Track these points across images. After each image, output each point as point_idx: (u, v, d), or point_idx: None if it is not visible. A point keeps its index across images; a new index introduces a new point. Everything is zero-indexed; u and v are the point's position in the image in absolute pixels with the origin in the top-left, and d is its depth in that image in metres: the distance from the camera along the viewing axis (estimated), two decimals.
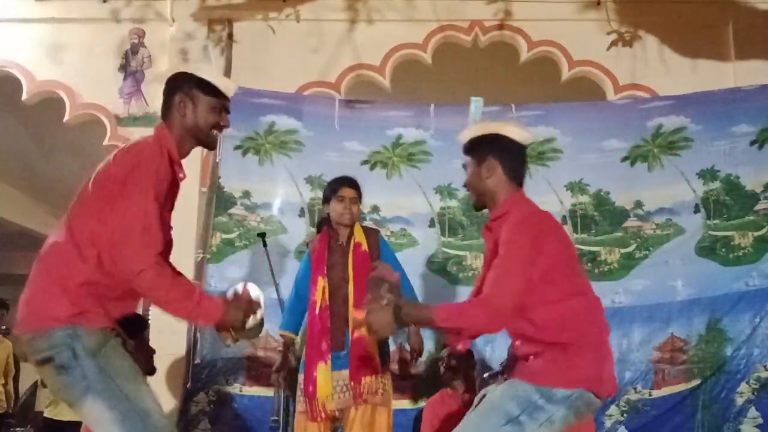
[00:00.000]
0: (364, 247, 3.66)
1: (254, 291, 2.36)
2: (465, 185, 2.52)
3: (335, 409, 3.51)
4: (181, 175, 2.35)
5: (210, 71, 2.44)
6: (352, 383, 3.48)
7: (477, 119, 2.53)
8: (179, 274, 2.29)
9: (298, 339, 3.82)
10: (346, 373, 3.49)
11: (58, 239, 2.23)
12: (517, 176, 2.43)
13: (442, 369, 4.20)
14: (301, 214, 4.78)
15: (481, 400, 2.33)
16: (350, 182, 3.72)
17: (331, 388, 3.49)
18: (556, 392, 2.16)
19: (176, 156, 2.33)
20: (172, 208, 2.38)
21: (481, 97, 2.86)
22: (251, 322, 2.32)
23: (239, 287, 2.36)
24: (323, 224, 3.81)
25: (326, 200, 3.73)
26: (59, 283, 2.15)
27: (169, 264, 2.27)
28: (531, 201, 2.44)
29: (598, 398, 2.22)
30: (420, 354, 3.71)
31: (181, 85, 2.37)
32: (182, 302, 2.19)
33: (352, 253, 3.63)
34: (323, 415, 3.49)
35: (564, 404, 2.16)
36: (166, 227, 2.28)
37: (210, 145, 2.44)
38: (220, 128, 2.42)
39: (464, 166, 2.50)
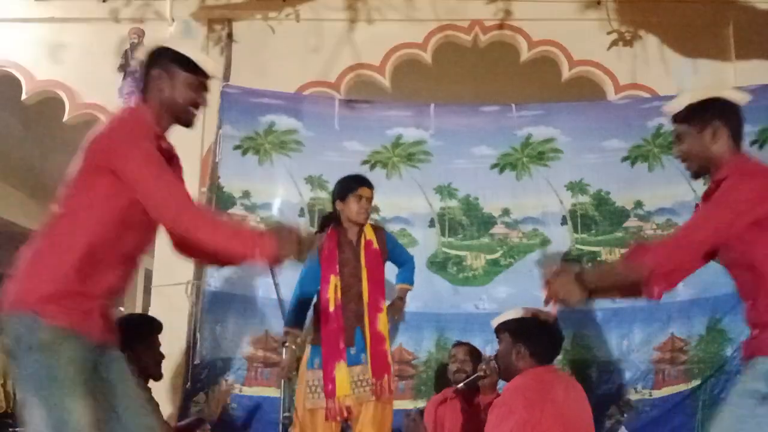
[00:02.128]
0: (375, 245, 3.69)
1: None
2: (681, 156, 2.43)
3: (354, 405, 3.52)
4: (164, 144, 2.31)
5: (190, 47, 2.40)
6: (374, 380, 3.50)
7: (683, 85, 2.48)
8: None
9: (303, 336, 3.83)
10: (358, 369, 3.53)
11: (51, 221, 2.23)
12: (739, 139, 2.38)
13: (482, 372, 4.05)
14: (301, 214, 4.78)
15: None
16: (368, 182, 3.74)
17: (350, 386, 3.51)
18: None
19: (156, 128, 2.30)
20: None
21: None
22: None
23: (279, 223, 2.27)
24: (328, 222, 3.77)
25: (342, 198, 3.69)
26: (45, 265, 2.12)
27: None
28: (758, 161, 2.38)
29: None
30: (401, 319, 3.82)
31: (159, 59, 2.34)
32: (237, 236, 2.17)
33: (364, 250, 3.65)
34: (344, 413, 3.49)
35: None
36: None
37: (187, 122, 2.39)
38: (197, 106, 2.38)
39: (679, 137, 2.43)
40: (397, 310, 3.79)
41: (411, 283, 3.87)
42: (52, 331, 2.06)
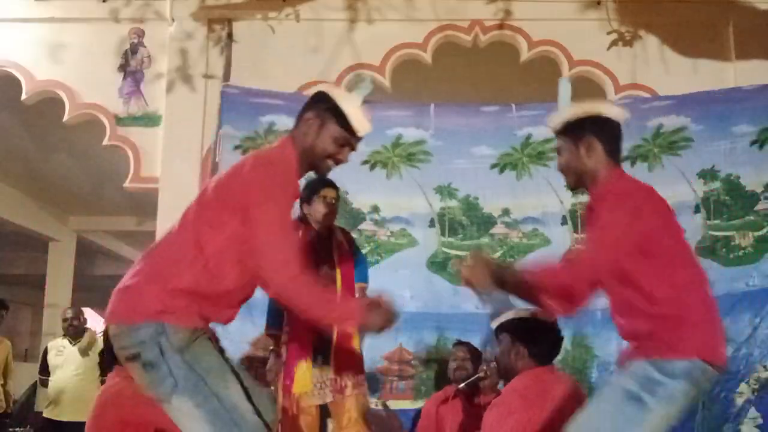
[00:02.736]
0: (346, 245, 3.75)
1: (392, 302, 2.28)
2: (560, 168, 2.52)
3: (312, 405, 3.55)
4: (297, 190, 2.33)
5: (353, 103, 2.34)
6: (334, 377, 3.53)
7: (567, 101, 2.52)
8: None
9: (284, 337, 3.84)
10: (329, 369, 3.55)
11: (171, 237, 2.22)
12: (615, 154, 2.43)
13: (483, 373, 4.05)
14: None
15: None
16: (330, 182, 3.72)
17: (311, 385, 3.53)
18: (674, 366, 2.12)
19: (297, 174, 2.31)
20: None
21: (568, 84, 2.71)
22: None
23: (378, 294, 2.29)
24: (301, 225, 3.76)
25: (308, 200, 3.71)
26: (160, 280, 2.12)
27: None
28: (633, 177, 2.45)
29: (713, 369, 2.18)
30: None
31: (318, 103, 2.33)
32: (330, 308, 2.23)
33: (336, 251, 3.68)
34: (296, 410, 3.52)
35: (683, 377, 2.12)
36: None
37: (320, 172, 2.40)
38: (338, 162, 2.35)
39: (558, 150, 2.51)
40: None
41: (367, 281, 3.84)
42: (181, 331, 2.09)
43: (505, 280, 2.30)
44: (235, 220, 2.14)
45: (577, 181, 2.48)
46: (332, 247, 3.69)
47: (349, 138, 2.32)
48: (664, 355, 2.14)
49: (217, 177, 2.31)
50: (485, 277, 2.27)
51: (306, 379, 3.53)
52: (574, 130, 2.43)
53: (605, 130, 2.42)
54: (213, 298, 2.16)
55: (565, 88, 2.53)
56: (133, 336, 2.08)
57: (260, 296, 4.54)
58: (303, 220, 3.74)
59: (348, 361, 3.57)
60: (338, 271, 3.64)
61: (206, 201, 2.23)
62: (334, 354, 3.55)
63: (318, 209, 3.67)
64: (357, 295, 3.76)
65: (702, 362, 2.15)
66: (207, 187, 2.30)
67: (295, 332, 3.60)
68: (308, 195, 3.72)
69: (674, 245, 2.30)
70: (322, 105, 2.32)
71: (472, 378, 3.82)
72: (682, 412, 2.16)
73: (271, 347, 3.76)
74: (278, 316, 3.74)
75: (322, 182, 3.70)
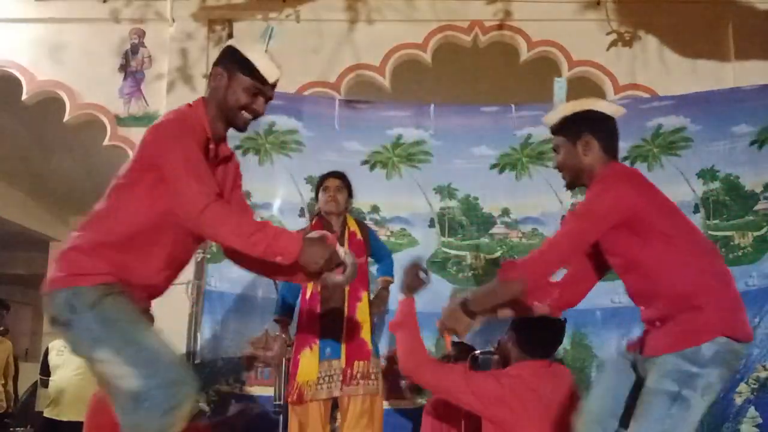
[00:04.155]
0: (359, 236, 3.81)
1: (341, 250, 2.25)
2: (558, 166, 2.53)
3: (321, 399, 3.57)
4: (214, 146, 2.30)
5: (258, 52, 2.33)
6: (344, 367, 3.57)
7: (563, 99, 2.53)
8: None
9: (293, 325, 3.89)
10: (337, 362, 3.57)
11: (98, 206, 2.27)
12: (612, 150, 2.44)
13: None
14: (301, 214, 4.78)
15: None
16: (334, 173, 3.91)
17: (316, 374, 3.56)
18: (703, 352, 2.13)
19: (207, 129, 2.29)
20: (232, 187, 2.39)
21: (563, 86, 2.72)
22: (348, 261, 2.21)
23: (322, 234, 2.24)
24: (315, 217, 3.94)
25: (316, 194, 3.93)
26: (77, 246, 2.18)
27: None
28: (626, 168, 2.47)
29: (739, 343, 2.20)
30: (385, 310, 3.90)
31: (224, 58, 2.34)
32: (256, 234, 2.12)
33: (347, 241, 3.73)
34: (298, 397, 3.56)
35: (715, 364, 2.14)
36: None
37: (238, 126, 2.36)
38: (252, 112, 2.34)
39: (555, 148, 2.51)
40: (381, 301, 3.89)
41: (391, 275, 3.95)
42: (92, 289, 2.11)
43: (481, 308, 2.33)
44: (148, 173, 2.19)
45: (574, 179, 2.49)
46: (343, 237, 3.75)
47: (260, 87, 2.32)
48: (690, 342, 2.15)
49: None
50: (463, 318, 2.34)
51: (311, 367, 3.56)
52: (571, 128, 2.44)
53: (601, 127, 2.43)
54: (125, 247, 2.18)
55: (560, 87, 2.54)
56: (53, 303, 2.16)
57: (262, 297, 4.59)
58: (318, 214, 3.89)
59: (359, 352, 3.60)
60: None
61: (126, 168, 2.28)
62: (344, 343, 3.58)
63: (322, 198, 3.84)
64: (380, 288, 3.88)
65: (727, 339, 2.16)
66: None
67: (303, 320, 3.68)
68: (316, 189, 3.91)
69: (670, 223, 2.31)
70: (230, 58, 2.32)
71: (486, 351, 3.85)
72: (721, 393, 2.19)
73: (277, 333, 3.82)
74: (289, 304, 3.84)
75: (326, 174, 3.90)
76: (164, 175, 2.16)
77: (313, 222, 3.87)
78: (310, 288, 3.67)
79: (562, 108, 2.50)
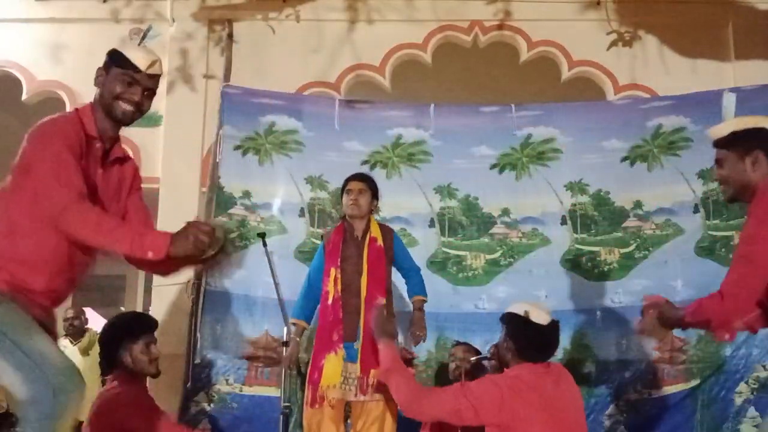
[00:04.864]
0: (380, 242, 3.76)
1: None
2: (720, 179, 2.49)
3: (337, 399, 3.55)
4: (98, 144, 2.32)
5: (132, 45, 2.41)
6: (361, 375, 3.54)
7: (732, 113, 2.53)
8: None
9: (309, 328, 3.88)
10: (353, 366, 3.56)
11: None
12: None
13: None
14: (301, 214, 4.78)
15: None
16: (358, 176, 3.86)
17: (339, 377, 3.55)
18: None
19: (91, 126, 2.32)
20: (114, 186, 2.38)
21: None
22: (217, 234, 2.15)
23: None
24: (340, 220, 3.92)
25: (340, 197, 3.88)
26: None
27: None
28: None
29: None
30: (423, 336, 3.80)
31: (106, 60, 2.41)
32: (120, 232, 2.11)
33: (367, 246, 3.71)
34: (320, 402, 3.54)
35: None
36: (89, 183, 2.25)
37: (116, 117, 2.37)
38: (128, 101, 2.35)
39: (718, 161, 2.49)
40: (419, 326, 3.78)
41: (425, 294, 3.86)
42: None
43: (672, 323, 2.45)
44: (25, 179, 2.20)
45: (737, 193, 2.45)
46: (364, 243, 3.72)
47: (133, 74, 2.34)
48: None
49: None
50: (660, 330, 2.45)
51: (335, 370, 3.55)
52: (741, 143, 2.41)
53: None
54: (14, 255, 2.17)
55: (729, 101, 2.52)
56: None
57: (262, 297, 4.59)
58: (342, 217, 3.88)
59: (375, 360, 3.48)
60: (365, 266, 3.66)
61: (12, 170, 2.28)
62: (361, 350, 3.56)
63: (345, 201, 3.80)
64: (414, 310, 3.81)
65: None
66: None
67: (326, 325, 3.65)
68: (341, 192, 3.86)
69: None
70: (109, 58, 2.40)
71: (482, 355, 3.85)
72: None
73: (291, 335, 3.77)
74: (308, 307, 3.81)
75: (351, 177, 3.85)
76: (32, 178, 2.18)
77: (337, 225, 3.85)
78: (332, 293, 3.64)
79: (733, 122, 2.50)
